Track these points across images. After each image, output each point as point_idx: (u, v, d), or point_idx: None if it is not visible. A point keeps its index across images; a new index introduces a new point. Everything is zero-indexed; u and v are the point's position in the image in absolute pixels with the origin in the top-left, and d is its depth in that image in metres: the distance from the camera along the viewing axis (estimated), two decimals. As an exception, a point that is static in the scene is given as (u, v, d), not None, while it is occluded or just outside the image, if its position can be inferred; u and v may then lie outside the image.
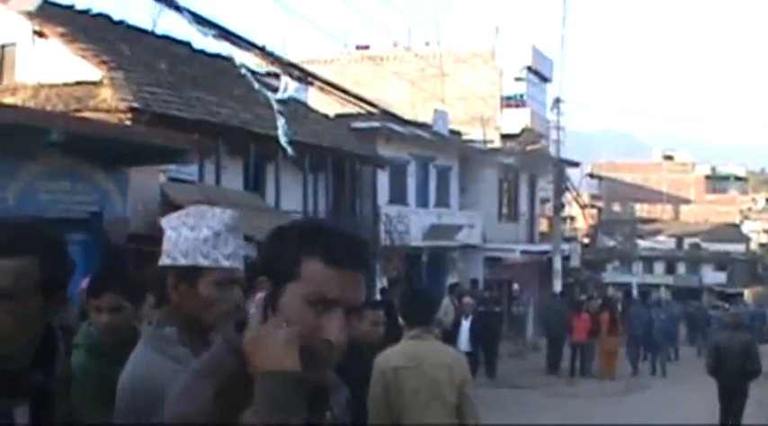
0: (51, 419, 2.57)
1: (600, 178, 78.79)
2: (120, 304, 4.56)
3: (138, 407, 3.06)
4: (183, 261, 3.20)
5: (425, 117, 32.28)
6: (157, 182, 15.75)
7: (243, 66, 18.64)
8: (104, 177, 13.48)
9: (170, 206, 14.84)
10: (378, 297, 17.37)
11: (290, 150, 18.20)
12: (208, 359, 2.37)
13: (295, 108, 23.14)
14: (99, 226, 13.11)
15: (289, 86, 20.56)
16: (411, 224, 29.09)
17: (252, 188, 20.73)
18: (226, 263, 3.20)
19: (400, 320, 6.91)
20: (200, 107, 19.32)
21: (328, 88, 19.38)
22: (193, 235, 3.21)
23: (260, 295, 2.33)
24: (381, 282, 24.98)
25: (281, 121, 17.89)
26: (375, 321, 6.87)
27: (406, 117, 30.47)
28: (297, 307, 2.25)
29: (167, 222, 3.32)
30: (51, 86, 18.44)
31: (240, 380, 2.20)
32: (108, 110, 16.98)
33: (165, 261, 3.28)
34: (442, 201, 33.05)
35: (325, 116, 26.99)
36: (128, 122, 16.12)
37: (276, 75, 23.77)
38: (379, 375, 6.32)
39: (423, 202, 31.67)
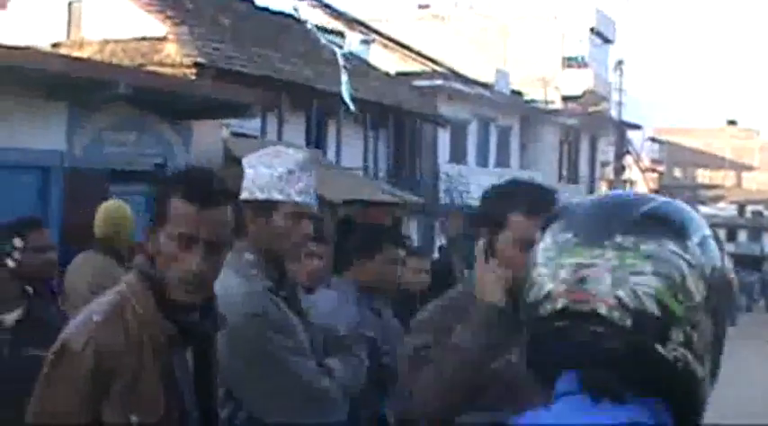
0: (215, 365, 2.86)
1: (661, 142, 77.82)
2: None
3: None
4: (259, 196, 3.45)
5: (486, 77, 32.08)
6: (220, 137, 15.81)
7: (308, 22, 18.69)
8: (169, 130, 13.56)
9: (232, 160, 14.92)
10: (436, 255, 17.37)
11: (351, 106, 18.23)
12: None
13: (357, 65, 23.10)
14: (163, 178, 13.19)
15: (352, 43, 20.56)
16: (471, 183, 29.01)
17: (313, 144, 20.77)
18: (297, 198, 3.44)
19: (465, 272, 6.89)
20: (262, 63, 19.35)
21: (392, 45, 19.30)
22: (269, 172, 3.46)
23: (480, 241, 3.04)
24: (440, 240, 24.97)
25: (344, 77, 17.92)
26: (418, 268, 6.75)
27: (467, 76, 30.34)
28: (509, 250, 2.97)
29: (247, 161, 3.57)
30: (116, 42, 18.59)
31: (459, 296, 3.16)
32: (172, 65, 17.08)
33: (243, 195, 3.50)
34: (503, 161, 32.91)
35: (387, 74, 26.93)
36: (192, 77, 16.20)
37: (339, 33, 23.78)
38: None
39: (483, 162, 31.56)
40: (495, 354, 2.90)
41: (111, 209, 6.80)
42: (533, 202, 2.95)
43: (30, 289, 4.66)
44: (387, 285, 4.77)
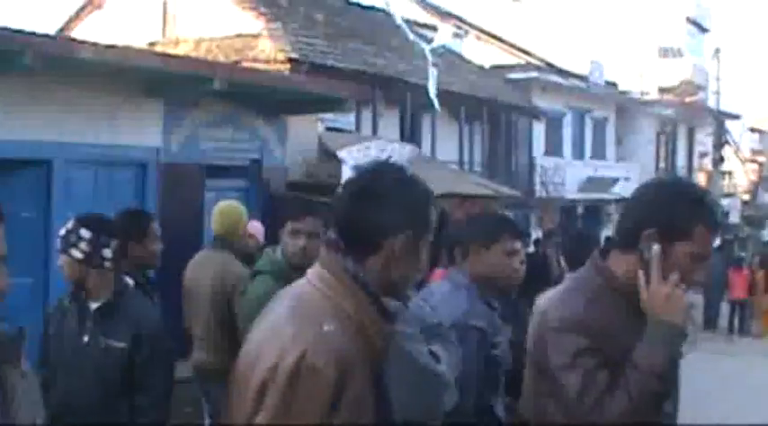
0: None
1: (762, 131, 75.99)
2: (318, 229, 4.89)
3: None
4: None
5: (581, 68, 31.62)
6: (315, 131, 15.76)
7: (396, 16, 18.55)
8: (264, 125, 13.53)
9: (327, 154, 14.87)
10: (531, 248, 17.10)
11: (436, 104, 18.05)
12: (577, 276, 3.27)
13: (450, 59, 22.91)
14: (259, 173, 13.24)
15: (444, 37, 20.36)
16: (567, 176, 28.64)
17: (408, 138, 20.65)
18: None
19: (562, 262, 6.68)
20: (356, 58, 19.29)
21: (485, 37, 19.07)
22: None
23: (655, 246, 2.90)
24: (536, 233, 24.67)
25: (432, 73, 17.75)
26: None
27: (561, 67, 29.95)
28: (685, 263, 2.91)
29: (348, 153, 3.52)
30: (211, 39, 18.70)
31: (603, 292, 3.01)
32: (266, 61, 17.13)
33: None
34: (598, 153, 32.42)
35: (481, 67, 26.69)
36: (286, 73, 16.19)
37: (431, 27, 23.61)
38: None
39: (579, 154, 31.12)
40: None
41: (225, 209, 7.08)
42: (716, 216, 3.00)
43: (129, 280, 4.70)
44: (502, 276, 4.59)
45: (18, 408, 2.43)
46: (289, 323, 2.48)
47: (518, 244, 4.66)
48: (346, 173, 3.17)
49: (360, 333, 2.46)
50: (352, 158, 3.23)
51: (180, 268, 7.18)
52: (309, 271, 2.63)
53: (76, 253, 4.42)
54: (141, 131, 11.63)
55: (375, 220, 2.52)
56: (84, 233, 4.44)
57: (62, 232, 4.49)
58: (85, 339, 4.42)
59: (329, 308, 2.47)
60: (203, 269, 6.90)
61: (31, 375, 2.61)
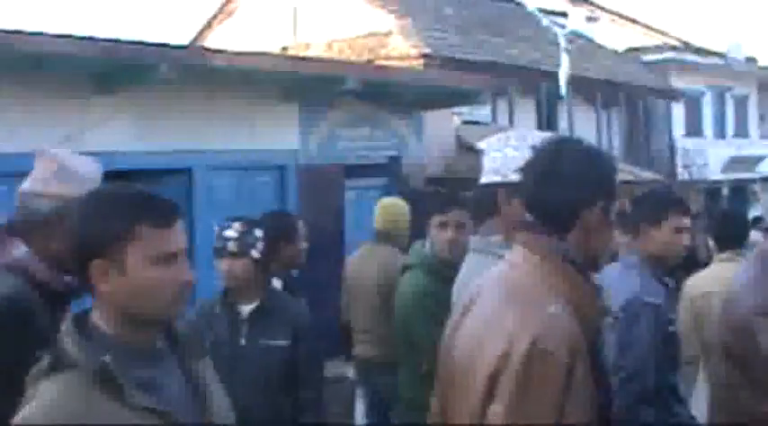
0: None
1: None
2: (464, 220, 4.86)
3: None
4: (513, 177, 3.28)
5: (718, 45, 30.64)
6: (452, 125, 15.59)
7: (526, 5, 18.20)
8: (400, 122, 13.40)
9: (465, 148, 14.66)
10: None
11: (563, 91, 17.64)
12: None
13: (583, 44, 22.42)
14: (398, 170, 13.11)
15: (576, 22, 19.94)
16: (709, 156, 27.75)
17: (544, 126, 20.24)
18: None
19: (710, 243, 6.38)
20: (488, 49, 19.04)
21: (619, 20, 18.56)
22: (520, 154, 3.34)
23: None
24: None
25: (565, 60, 17.36)
26: None
27: (698, 46, 29.09)
28: None
29: (489, 145, 3.65)
30: (342, 40, 18.68)
31: None
32: (399, 58, 17.01)
33: (493, 178, 3.58)
34: (741, 132, 31.31)
35: (615, 51, 26.08)
36: (420, 69, 16.03)
37: (561, 13, 23.16)
38: (687, 302, 5.81)
39: (720, 134, 30.11)
40: None
41: (388, 205, 7.29)
42: None
43: (277, 281, 4.88)
44: (672, 253, 4.51)
45: (211, 402, 2.42)
46: (510, 310, 2.47)
47: (686, 221, 4.57)
48: (488, 164, 3.16)
49: (577, 311, 2.45)
50: (494, 149, 3.21)
51: (323, 268, 7.14)
52: (511, 256, 2.63)
53: (255, 254, 4.48)
54: (279, 134, 11.66)
55: (570, 196, 2.53)
56: (259, 233, 4.51)
57: (232, 234, 4.50)
58: (243, 342, 4.46)
59: (546, 290, 2.47)
60: (367, 263, 7.02)
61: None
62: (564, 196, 2.54)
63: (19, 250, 3.10)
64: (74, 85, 9.77)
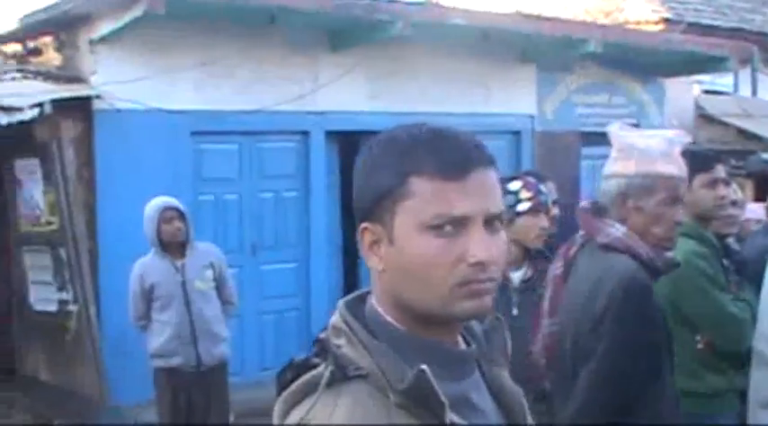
0: None
1: None
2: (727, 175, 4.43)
3: None
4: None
5: None
6: (692, 94, 14.40)
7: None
8: (640, 89, 12.44)
9: (704, 119, 13.62)
10: None
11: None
12: None
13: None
14: (636, 139, 12.13)
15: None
16: None
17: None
18: None
19: None
20: (732, 15, 17.58)
21: None
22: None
23: None
24: None
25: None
26: None
27: None
28: None
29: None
30: (577, 2, 17.67)
31: None
32: (638, 23, 15.90)
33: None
34: None
35: None
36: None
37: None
38: None
39: None
40: None
41: None
42: None
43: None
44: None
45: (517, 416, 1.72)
46: None
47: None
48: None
49: None
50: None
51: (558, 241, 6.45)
52: None
53: (555, 210, 4.60)
54: (514, 98, 11.08)
55: None
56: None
57: (545, 189, 4.41)
58: (515, 312, 4.22)
59: None
60: None
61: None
62: None
63: (614, 228, 3.18)
64: (306, 43, 9.54)
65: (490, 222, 1.54)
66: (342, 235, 9.93)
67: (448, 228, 1.50)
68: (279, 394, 1.57)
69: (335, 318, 1.59)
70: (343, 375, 1.51)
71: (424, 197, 1.51)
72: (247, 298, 9.11)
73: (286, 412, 1.53)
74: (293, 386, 1.54)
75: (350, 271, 9.84)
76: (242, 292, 8.85)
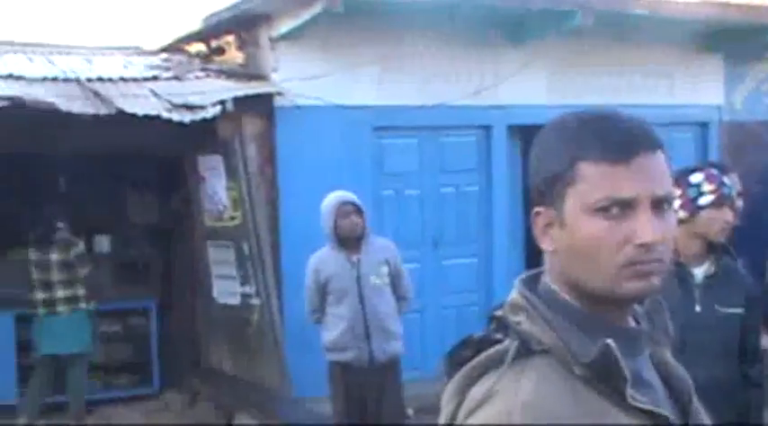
0: None
1: None
2: None
3: None
4: None
5: None
6: None
7: None
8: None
9: None
10: None
11: None
12: None
13: None
14: None
15: None
16: None
17: None
18: None
19: None
20: None
21: None
22: None
23: None
24: None
25: None
26: None
27: None
28: None
29: None
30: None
31: None
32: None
33: None
34: None
35: None
36: None
37: None
38: None
39: None
40: None
41: None
42: None
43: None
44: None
45: (697, 410, 1.75)
46: None
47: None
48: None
49: None
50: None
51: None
52: None
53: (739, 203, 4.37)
54: (700, 89, 10.69)
55: None
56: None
57: (729, 182, 4.16)
58: (698, 308, 4.03)
59: None
60: None
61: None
62: None
63: None
64: (486, 36, 9.41)
65: (657, 204, 1.59)
66: (524, 230, 9.76)
67: (615, 210, 1.57)
68: (449, 373, 1.64)
69: (514, 295, 1.67)
70: (526, 350, 1.58)
71: (592, 181, 1.58)
72: (428, 293, 9.09)
73: (467, 386, 1.59)
74: (475, 361, 1.60)
75: (532, 267, 9.62)
76: (423, 287, 8.82)
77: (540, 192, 1.67)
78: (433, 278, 9.38)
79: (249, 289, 8.68)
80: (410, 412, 7.22)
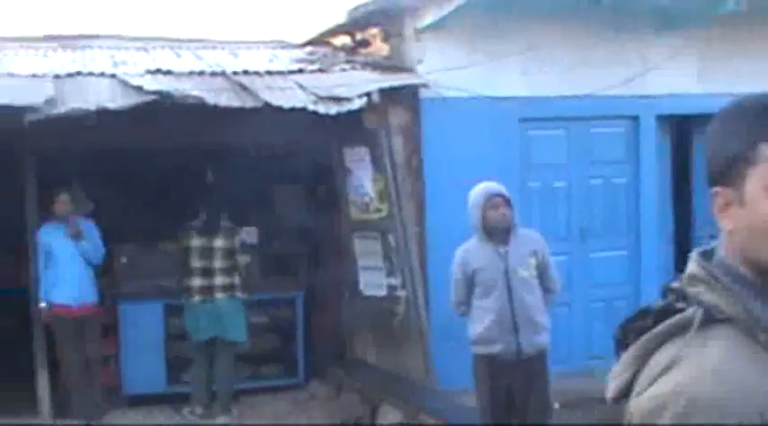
0: None
1: None
2: None
3: None
4: None
5: None
6: None
7: None
8: None
9: None
10: None
11: None
12: None
13: None
14: None
15: None
16: None
17: None
18: None
19: None
20: None
21: None
22: None
23: None
24: None
25: None
26: None
27: None
28: None
29: None
30: None
31: None
32: None
33: None
34: None
35: None
36: None
37: None
38: None
39: None
40: None
41: None
42: None
43: None
44: None
45: None
46: None
47: None
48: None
49: None
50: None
51: None
52: None
53: None
54: None
55: None
56: None
57: None
58: None
59: None
60: None
61: None
62: None
63: None
64: (634, 24, 9.18)
65: None
66: (674, 222, 9.53)
67: None
68: (620, 344, 1.70)
69: (693, 267, 1.70)
70: (709, 319, 1.61)
71: None
72: (576, 286, 8.96)
73: (649, 353, 1.64)
74: (657, 329, 1.65)
75: (681, 261, 9.39)
76: (570, 280, 8.67)
77: (719, 173, 1.69)
78: (581, 271, 9.25)
79: (395, 281, 8.68)
80: (556, 406, 7.10)
